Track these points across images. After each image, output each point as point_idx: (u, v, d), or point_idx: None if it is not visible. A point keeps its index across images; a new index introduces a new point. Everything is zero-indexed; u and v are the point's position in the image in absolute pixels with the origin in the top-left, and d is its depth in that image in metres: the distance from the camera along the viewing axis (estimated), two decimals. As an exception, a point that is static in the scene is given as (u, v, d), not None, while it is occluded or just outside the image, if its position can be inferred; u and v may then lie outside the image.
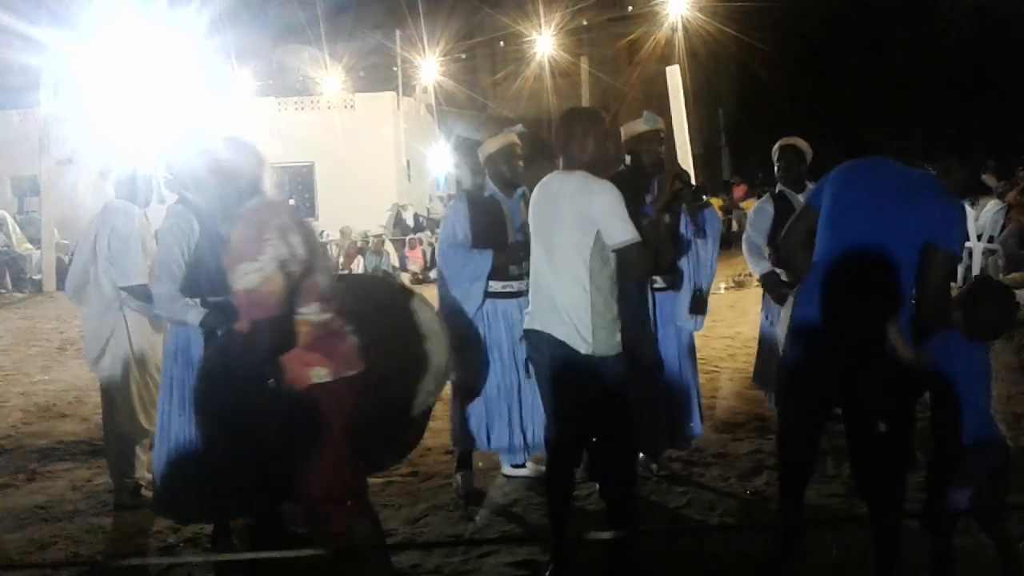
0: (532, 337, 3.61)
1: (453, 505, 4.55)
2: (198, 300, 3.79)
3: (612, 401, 3.52)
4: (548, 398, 3.66)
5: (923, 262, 3.26)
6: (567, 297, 3.46)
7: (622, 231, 3.39)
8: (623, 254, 3.44)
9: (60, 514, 4.67)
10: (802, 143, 5.38)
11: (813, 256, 3.50)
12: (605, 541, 3.75)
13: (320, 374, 3.11)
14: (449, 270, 4.62)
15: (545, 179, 3.68)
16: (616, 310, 3.54)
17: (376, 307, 3.85)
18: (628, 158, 4.70)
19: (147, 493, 4.71)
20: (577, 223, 3.42)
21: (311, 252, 3.17)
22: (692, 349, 4.84)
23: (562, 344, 3.47)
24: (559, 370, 3.53)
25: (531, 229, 3.69)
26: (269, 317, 3.03)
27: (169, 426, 3.95)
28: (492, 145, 4.61)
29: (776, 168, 5.41)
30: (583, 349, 3.45)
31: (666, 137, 4.79)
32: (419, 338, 3.82)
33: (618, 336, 3.53)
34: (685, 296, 4.62)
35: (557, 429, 3.65)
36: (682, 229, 4.63)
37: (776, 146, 5.43)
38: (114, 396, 4.70)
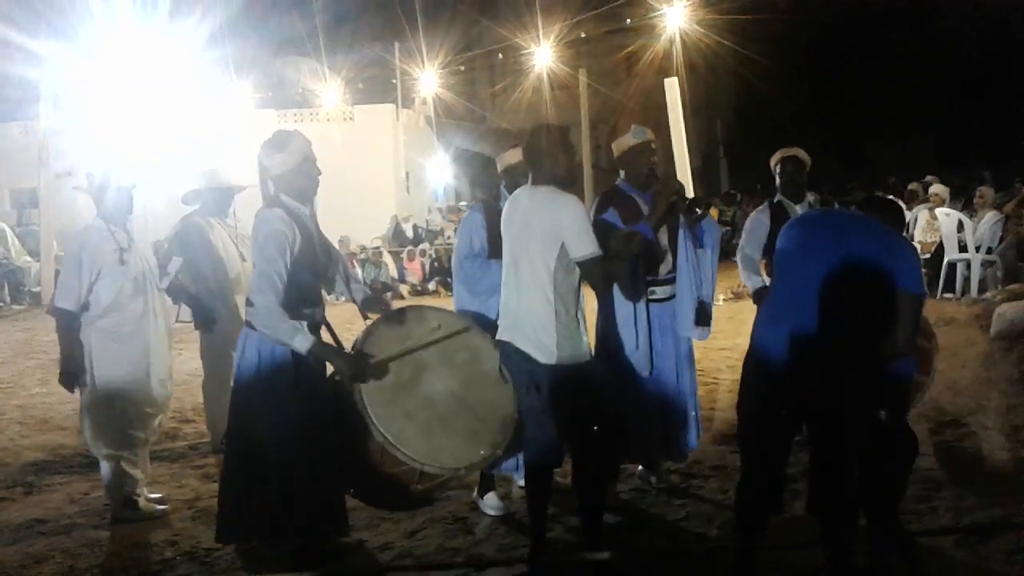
0: (503, 347, 3.73)
1: (451, 518, 4.54)
2: (305, 323, 3.67)
3: (585, 406, 3.59)
4: (523, 407, 3.73)
5: (893, 307, 3.26)
6: (532, 307, 3.59)
7: (585, 245, 3.52)
8: (584, 267, 3.56)
9: (57, 528, 4.65)
10: (802, 153, 5.39)
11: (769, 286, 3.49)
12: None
13: None
14: (467, 281, 4.56)
15: (515, 193, 3.81)
16: (580, 318, 3.67)
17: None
18: (623, 173, 4.74)
19: (146, 505, 4.70)
20: (543, 235, 3.55)
21: None
22: (691, 360, 4.83)
23: (527, 356, 3.60)
24: (527, 380, 3.64)
25: (503, 242, 3.79)
26: None
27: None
28: (513, 156, 4.50)
29: (777, 179, 5.41)
30: (548, 359, 3.56)
31: (657, 148, 4.80)
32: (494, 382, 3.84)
33: (584, 343, 3.66)
34: (687, 306, 4.57)
35: (533, 435, 3.72)
36: (681, 240, 4.58)
37: (776, 157, 5.42)
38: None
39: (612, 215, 4.53)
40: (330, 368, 3.80)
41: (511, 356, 3.69)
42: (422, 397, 3.74)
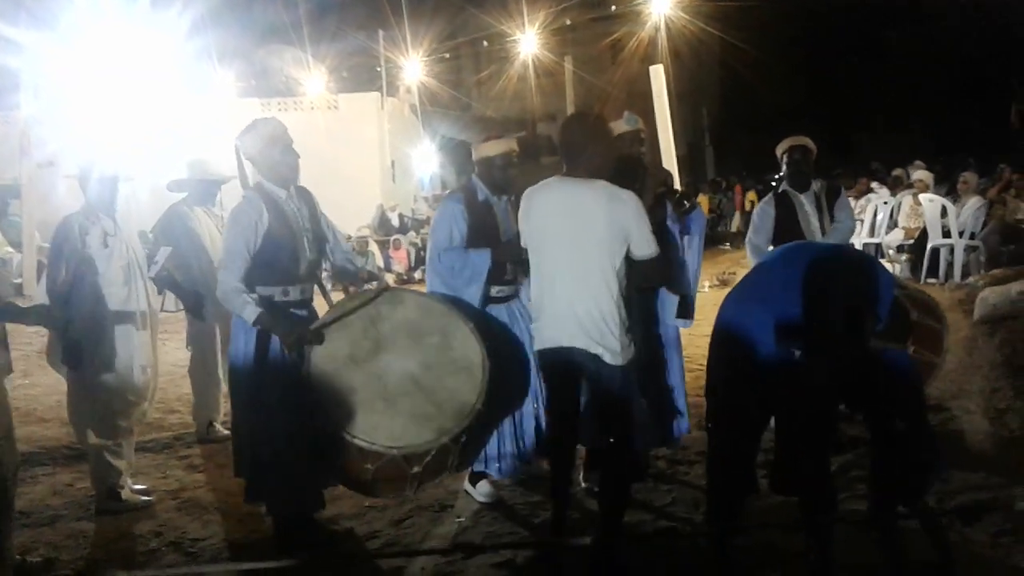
0: (553, 355, 3.61)
1: (438, 506, 4.54)
2: (256, 296, 3.85)
3: (629, 406, 3.57)
4: (565, 407, 3.70)
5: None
6: (600, 308, 3.48)
7: (649, 244, 3.48)
8: (645, 265, 3.51)
9: (41, 519, 4.62)
10: (810, 142, 5.36)
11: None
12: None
13: None
14: (445, 272, 4.45)
15: (551, 185, 3.65)
16: (628, 318, 3.59)
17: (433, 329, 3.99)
18: None
19: (130, 496, 4.68)
20: (610, 234, 3.44)
21: None
22: (678, 348, 4.84)
23: (595, 357, 3.50)
24: (586, 378, 3.57)
25: (539, 235, 3.65)
26: None
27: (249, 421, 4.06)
28: (492, 148, 4.43)
29: (785, 168, 5.39)
30: (616, 360, 3.49)
31: (646, 137, 4.80)
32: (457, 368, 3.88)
33: (633, 345, 3.60)
34: (673, 297, 4.61)
35: (564, 431, 3.72)
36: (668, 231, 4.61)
37: (784, 145, 5.39)
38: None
39: None
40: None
41: (571, 359, 3.56)
42: (371, 373, 3.82)
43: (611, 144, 3.65)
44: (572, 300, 3.53)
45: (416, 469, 3.72)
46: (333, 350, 3.82)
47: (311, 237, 4.08)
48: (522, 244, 3.84)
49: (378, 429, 3.67)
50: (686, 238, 4.60)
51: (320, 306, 4.20)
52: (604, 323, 3.48)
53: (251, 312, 3.80)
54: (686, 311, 4.60)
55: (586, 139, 3.57)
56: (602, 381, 3.53)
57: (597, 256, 3.46)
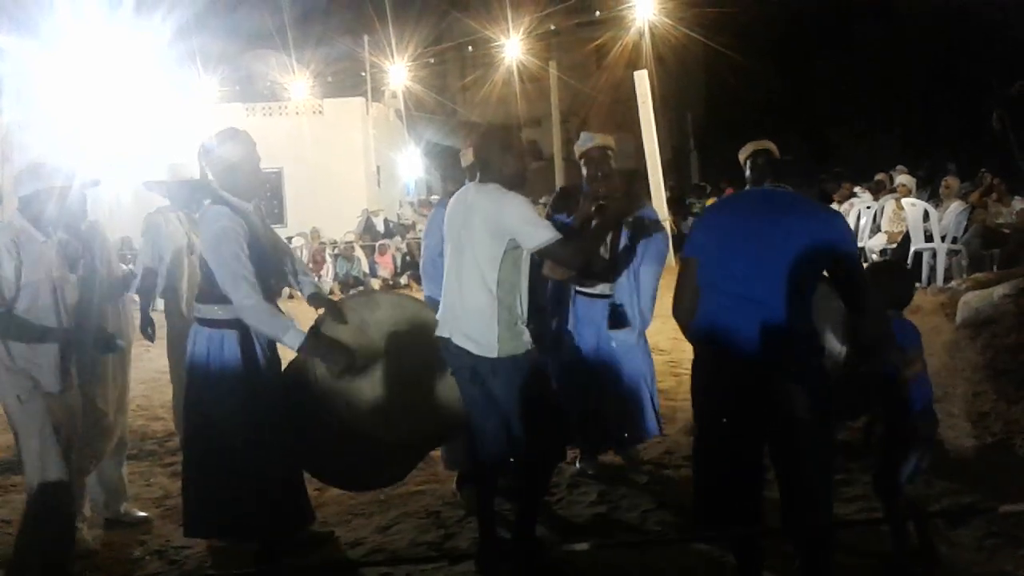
0: (443, 343, 3.75)
1: (424, 513, 4.53)
2: (295, 320, 3.70)
3: (526, 398, 3.62)
4: (467, 401, 3.78)
5: (838, 279, 3.15)
6: (475, 304, 3.61)
7: (540, 233, 3.53)
8: (547, 252, 3.59)
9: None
10: (772, 146, 5.40)
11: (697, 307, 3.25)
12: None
13: None
14: (440, 279, 4.31)
15: (460, 191, 3.85)
16: (522, 314, 3.69)
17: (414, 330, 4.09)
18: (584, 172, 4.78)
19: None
20: (488, 232, 3.57)
21: None
22: (638, 351, 4.81)
23: (467, 352, 3.62)
24: (469, 375, 3.67)
25: (446, 238, 3.82)
26: None
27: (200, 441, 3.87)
28: None
29: (748, 172, 5.41)
30: (489, 353, 3.59)
31: (615, 152, 4.78)
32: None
33: (524, 337, 3.68)
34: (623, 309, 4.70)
35: (479, 427, 3.76)
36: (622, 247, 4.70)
37: (748, 150, 5.42)
38: None
39: (563, 209, 4.71)
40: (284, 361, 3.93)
41: (451, 351, 3.71)
42: (379, 376, 3.94)
43: (521, 156, 3.76)
44: (451, 296, 3.72)
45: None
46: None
47: (277, 252, 4.00)
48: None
49: (403, 424, 3.86)
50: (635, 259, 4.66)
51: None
52: (479, 317, 3.59)
53: (294, 336, 3.58)
54: (616, 321, 4.65)
55: (496, 152, 3.71)
56: (486, 374, 3.63)
57: (472, 253, 3.61)
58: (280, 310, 3.74)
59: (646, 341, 4.86)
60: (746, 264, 3.14)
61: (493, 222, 3.56)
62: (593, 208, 4.41)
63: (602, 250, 4.61)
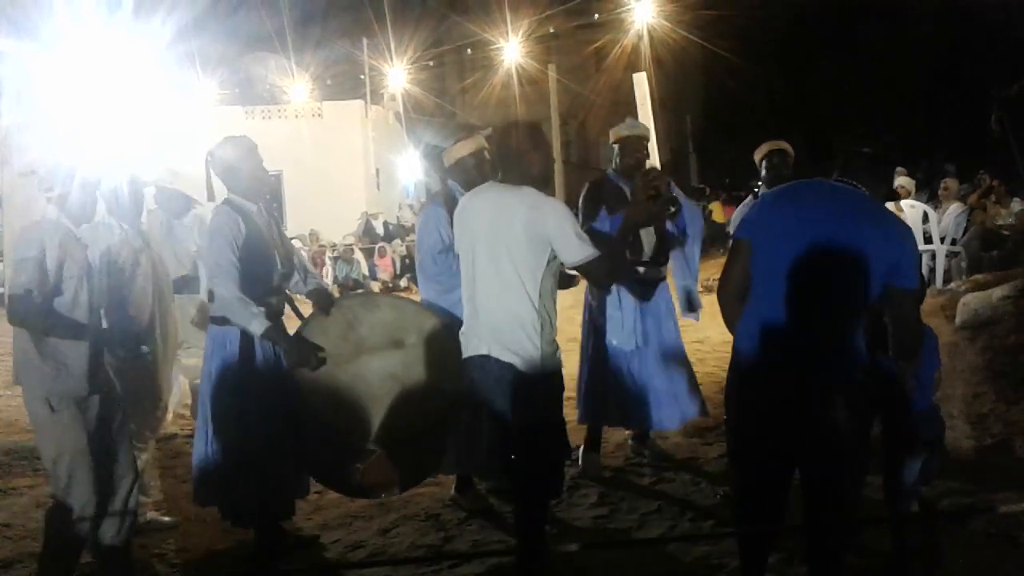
0: (478, 362, 3.47)
1: (424, 515, 4.53)
2: (263, 309, 3.78)
3: (548, 415, 3.49)
4: (496, 420, 3.46)
5: (889, 303, 2.97)
6: (517, 314, 3.37)
7: (581, 248, 3.33)
8: (586, 269, 3.40)
9: (23, 532, 4.58)
10: (787, 146, 5.41)
11: (747, 300, 3.07)
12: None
13: None
14: (438, 277, 4.38)
15: (483, 190, 3.59)
16: (555, 323, 3.51)
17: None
18: (614, 162, 4.99)
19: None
20: (530, 240, 3.34)
21: None
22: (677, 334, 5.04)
23: (511, 367, 3.38)
24: (508, 391, 3.39)
25: (467, 241, 3.56)
26: None
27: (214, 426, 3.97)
28: (461, 149, 4.38)
29: (764, 172, 5.43)
30: (532, 369, 3.37)
31: (648, 143, 4.97)
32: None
33: (558, 350, 3.51)
34: (680, 292, 5.00)
35: (500, 446, 3.49)
36: (669, 228, 4.86)
37: (763, 150, 5.44)
38: None
39: (598, 203, 4.83)
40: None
41: (490, 370, 3.43)
42: (354, 375, 3.94)
43: (547, 153, 3.60)
44: (490, 307, 3.45)
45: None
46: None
47: (282, 251, 4.07)
48: (455, 249, 3.75)
49: (368, 429, 3.81)
50: (683, 239, 4.89)
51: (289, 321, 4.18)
52: (521, 330, 3.37)
53: (259, 324, 3.72)
54: (691, 304, 4.92)
55: (521, 147, 3.50)
56: (513, 391, 3.39)
57: (512, 263, 3.37)
58: (253, 304, 3.77)
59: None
60: (802, 266, 2.91)
61: (534, 230, 3.34)
62: (647, 198, 4.31)
63: (648, 235, 4.77)
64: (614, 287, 4.75)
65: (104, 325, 3.77)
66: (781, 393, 2.95)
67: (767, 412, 2.99)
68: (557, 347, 3.49)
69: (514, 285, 3.37)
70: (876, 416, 3.52)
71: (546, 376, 3.42)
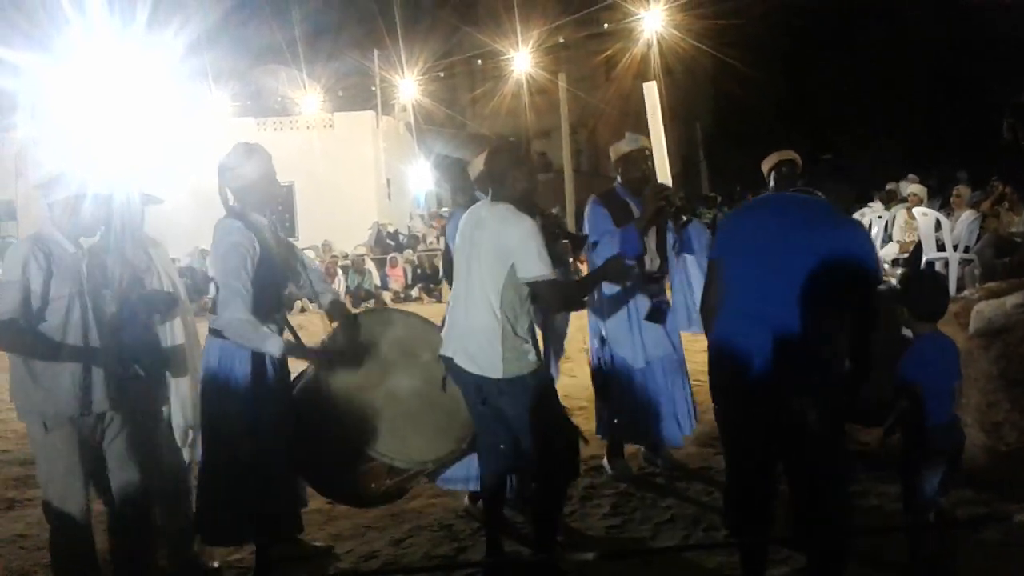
0: (445, 362, 3.74)
1: (437, 526, 4.53)
2: (275, 327, 3.75)
3: (534, 416, 3.59)
4: (474, 419, 3.78)
5: (852, 297, 3.09)
6: (479, 324, 3.58)
7: (534, 266, 3.50)
8: (535, 288, 3.58)
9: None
10: (796, 156, 5.41)
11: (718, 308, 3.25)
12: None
13: None
14: None
15: (472, 208, 3.84)
16: (529, 334, 3.68)
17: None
18: (619, 177, 5.01)
19: None
20: (493, 253, 3.55)
21: None
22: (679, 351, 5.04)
23: (469, 372, 3.61)
24: (475, 393, 3.65)
25: (456, 255, 3.83)
26: None
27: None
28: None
29: (771, 182, 5.43)
30: (492, 374, 3.56)
31: (650, 154, 4.96)
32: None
33: (530, 356, 3.63)
34: (679, 305, 4.96)
35: (486, 445, 3.78)
36: (669, 244, 4.90)
37: (772, 160, 5.44)
38: None
39: (604, 215, 4.80)
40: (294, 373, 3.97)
41: (454, 370, 3.70)
42: (386, 394, 3.95)
43: (532, 172, 3.76)
44: (458, 315, 3.70)
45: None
46: (345, 374, 3.89)
47: (289, 267, 4.00)
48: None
49: (411, 447, 3.86)
50: (688, 256, 4.87)
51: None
52: (483, 337, 3.56)
53: (275, 344, 3.65)
54: (654, 316, 4.81)
55: (507, 167, 3.67)
56: (491, 394, 3.60)
57: (479, 274, 3.60)
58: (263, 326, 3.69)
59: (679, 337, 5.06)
60: (762, 276, 3.10)
61: (498, 243, 3.55)
62: (657, 206, 4.50)
63: (652, 245, 4.81)
64: (623, 304, 4.83)
65: (105, 341, 3.58)
66: (746, 401, 3.14)
67: (739, 423, 3.22)
68: (528, 352, 3.62)
69: (478, 295, 3.60)
70: (897, 427, 3.51)
71: (515, 380, 3.56)
